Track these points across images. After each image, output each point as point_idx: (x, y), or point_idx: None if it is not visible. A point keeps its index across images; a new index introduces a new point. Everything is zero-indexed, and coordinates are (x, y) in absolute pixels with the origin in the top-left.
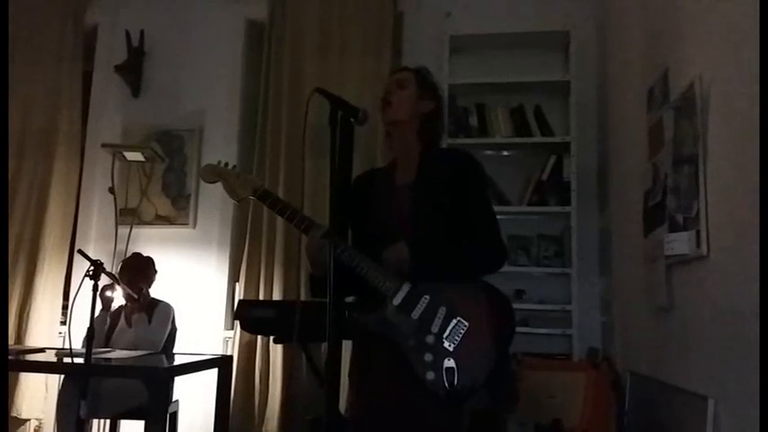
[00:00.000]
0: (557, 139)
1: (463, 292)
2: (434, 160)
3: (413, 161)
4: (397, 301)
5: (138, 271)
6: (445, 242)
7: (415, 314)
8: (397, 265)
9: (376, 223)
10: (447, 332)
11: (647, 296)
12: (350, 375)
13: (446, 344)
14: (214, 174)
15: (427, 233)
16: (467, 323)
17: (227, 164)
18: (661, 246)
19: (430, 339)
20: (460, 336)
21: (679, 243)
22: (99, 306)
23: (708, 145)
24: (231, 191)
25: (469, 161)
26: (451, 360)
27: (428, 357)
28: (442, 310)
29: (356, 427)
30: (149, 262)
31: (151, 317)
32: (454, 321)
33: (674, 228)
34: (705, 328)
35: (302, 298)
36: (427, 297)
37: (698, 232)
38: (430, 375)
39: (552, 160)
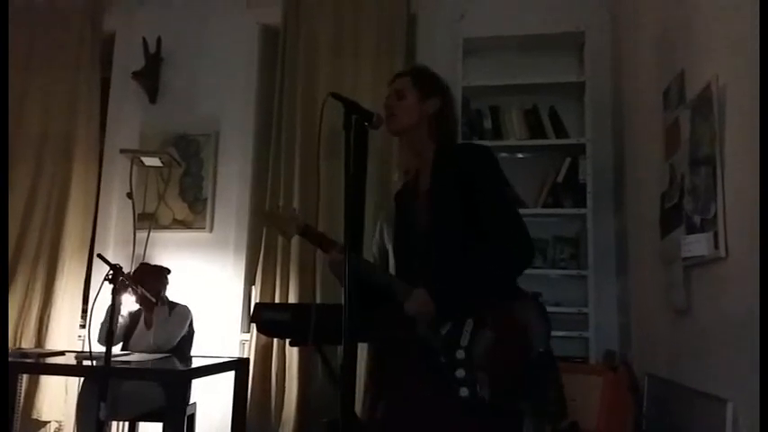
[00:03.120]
0: (572, 141)
1: (490, 301)
2: (448, 159)
3: (429, 164)
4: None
5: (151, 279)
6: (467, 263)
7: (443, 329)
8: (420, 316)
9: (407, 234)
10: (476, 345)
11: (665, 298)
12: (370, 378)
13: (476, 357)
14: (267, 218)
15: (447, 241)
16: (495, 334)
17: (278, 206)
18: (678, 247)
19: (460, 354)
20: (490, 348)
21: (696, 245)
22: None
23: (725, 145)
24: (282, 232)
25: (482, 156)
26: (483, 373)
27: (460, 373)
28: (469, 323)
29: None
30: (158, 271)
31: (169, 317)
32: (482, 333)
33: (691, 229)
34: (724, 330)
35: (317, 301)
36: None
37: (716, 234)
38: (464, 392)
39: (567, 162)
